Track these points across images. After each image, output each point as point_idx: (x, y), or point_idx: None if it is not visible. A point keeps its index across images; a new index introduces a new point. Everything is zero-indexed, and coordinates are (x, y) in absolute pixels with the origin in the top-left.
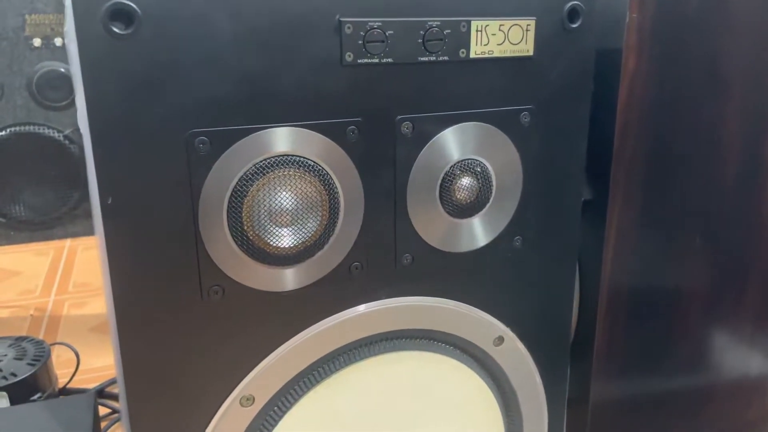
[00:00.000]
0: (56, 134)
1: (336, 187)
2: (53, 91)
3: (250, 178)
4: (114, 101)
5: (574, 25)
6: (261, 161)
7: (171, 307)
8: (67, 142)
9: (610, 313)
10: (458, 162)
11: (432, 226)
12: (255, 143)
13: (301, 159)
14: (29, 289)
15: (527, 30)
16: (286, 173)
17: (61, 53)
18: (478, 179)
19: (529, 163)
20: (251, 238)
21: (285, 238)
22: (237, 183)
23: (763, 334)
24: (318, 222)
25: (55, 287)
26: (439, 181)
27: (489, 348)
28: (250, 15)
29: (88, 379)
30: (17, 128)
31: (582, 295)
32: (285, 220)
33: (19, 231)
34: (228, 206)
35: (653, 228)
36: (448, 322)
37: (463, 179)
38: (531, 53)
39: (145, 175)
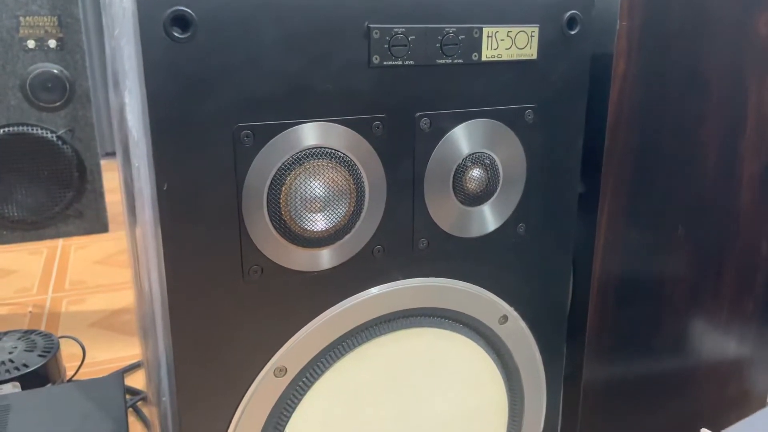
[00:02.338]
0: (49, 135)
1: (362, 177)
2: (47, 92)
3: (287, 168)
4: (171, 98)
5: (573, 32)
6: (297, 153)
7: (215, 284)
8: (60, 142)
9: (600, 298)
10: (470, 155)
11: (445, 213)
12: (292, 137)
13: (332, 151)
14: (26, 287)
15: (532, 36)
16: (318, 164)
17: (55, 55)
18: (487, 171)
19: (532, 157)
20: (287, 222)
21: (317, 223)
22: (276, 172)
23: (737, 319)
24: (346, 208)
25: (51, 285)
26: (453, 173)
27: (494, 326)
28: (290, 21)
29: (93, 372)
30: (11, 128)
31: (575, 281)
32: (317, 206)
33: (12, 231)
34: (268, 194)
35: (640, 218)
36: (459, 302)
37: (473, 171)
38: (535, 57)
39: (196, 165)
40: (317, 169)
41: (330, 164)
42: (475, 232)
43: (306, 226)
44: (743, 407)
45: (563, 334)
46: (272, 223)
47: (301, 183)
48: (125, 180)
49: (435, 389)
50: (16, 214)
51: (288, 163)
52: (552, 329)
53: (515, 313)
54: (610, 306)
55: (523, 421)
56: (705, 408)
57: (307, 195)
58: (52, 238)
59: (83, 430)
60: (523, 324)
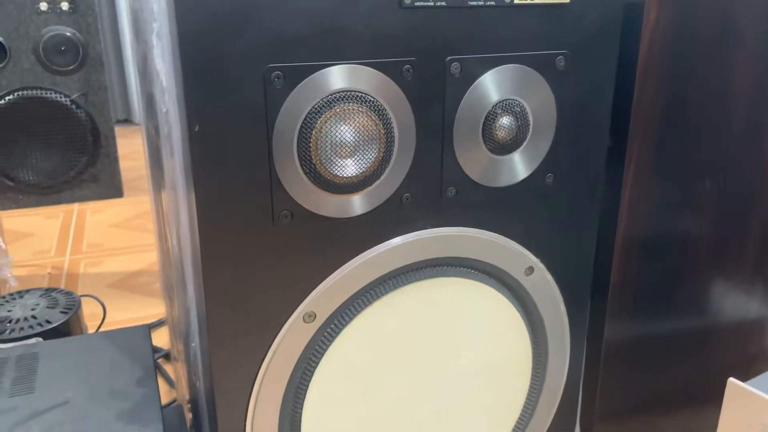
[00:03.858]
0: (63, 99)
1: (392, 122)
2: (60, 55)
3: (317, 112)
4: (202, 38)
5: None
6: (327, 96)
7: (246, 229)
8: (74, 107)
9: (624, 253)
10: (500, 102)
11: (474, 161)
12: (322, 79)
13: (362, 95)
14: (44, 250)
15: None
16: (348, 108)
17: (68, 18)
18: (517, 119)
19: (563, 105)
20: (317, 167)
21: (347, 169)
22: (306, 116)
23: (761, 278)
24: (375, 154)
25: (69, 247)
26: (482, 120)
27: (521, 277)
28: None
29: None
30: (25, 92)
31: (599, 236)
32: (346, 151)
33: (28, 195)
34: (298, 138)
35: (667, 173)
36: (486, 252)
37: (503, 119)
38: (567, 0)
39: (227, 107)
40: (347, 114)
41: (360, 108)
42: (503, 181)
43: (336, 172)
44: (764, 365)
45: (588, 288)
46: (302, 168)
47: (330, 127)
48: (149, 134)
49: (460, 339)
50: (31, 178)
51: (318, 107)
52: (577, 282)
53: (541, 265)
54: (633, 262)
55: (546, 373)
56: (725, 366)
57: (336, 140)
58: (68, 202)
59: (112, 377)
60: (549, 276)
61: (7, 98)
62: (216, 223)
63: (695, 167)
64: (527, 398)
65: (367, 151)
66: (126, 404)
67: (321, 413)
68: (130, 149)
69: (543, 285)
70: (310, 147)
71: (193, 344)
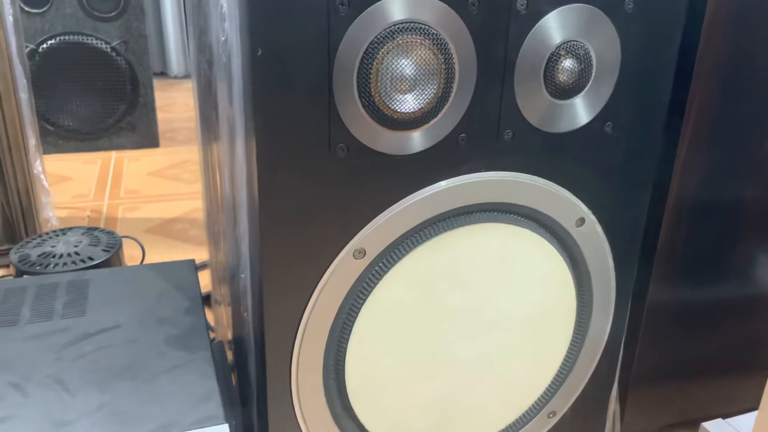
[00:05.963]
0: (104, 45)
1: (453, 58)
2: (101, 1)
3: (380, 42)
4: None
5: None
6: (390, 26)
7: (303, 159)
8: (114, 54)
9: (675, 214)
10: (564, 43)
11: (533, 104)
12: (386, 8)
13: (425, 27)
14: (83, 193)
15: None
16: (410, 39)
17: None
18: (580, 62)
19: (628, 50)
20: (376, 101)
21: (405, 104)
22: (368, 46)
23: None
24: (435, 90)
25: (107, 192)
26: (545, 61)
27: (571, 228)
28: None
29: None
30: (66, 37)
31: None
32: (406, 86)
33: (67, 140)
34: (359, 69)
35: (725, 133)
36: (538, 200)
37: (566, 61)
38: None
39: (290, 32)
40: (409, 46)
41: (422, 41)
42: (561, 127)
43: (394, 107)
44: None
45: (638, 244)
46: (361, 101)
47: (392, 60)
48: (200, 73)
49: (506, 286)
50: (70, 123)
51: (380, 37)
52: (627, 237)
53: (593, 217)
54: (683, 223)
55: (589, 327)
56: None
57: (396, 73)
58: (105, 149)
59: (160, 306)
60: (599, 228)
61: (48, 42)
62: (274, 150)
63: (755, 128)
64: (569, 350)
65: (426, 86)
66: (175, 331)
67: (365, 350)
68: (166, 102)
69: (593, 237)
70: (370, 79)
71: (243, 275)
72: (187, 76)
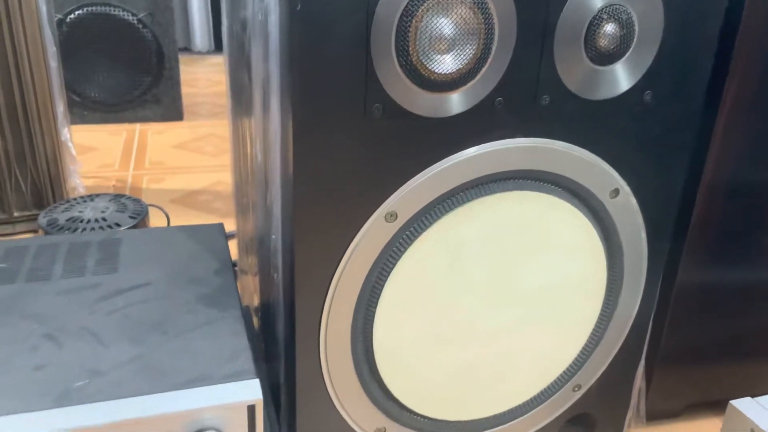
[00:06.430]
0: (130, 17)
1: (493, 18)
2: None
3: (419, 0)
4: None
5: None
6: None
7: (337, 118)
8: (140, 26)
9: (709, 192)
10: (606, 6)
11: (572, 69)
12: None
13: None
14: (108, 164)
15: None
16: None
17: None
18: (622, 27)
19: (671, 17)
20: (413, 60)
21: (443, 64)
22: (408, 3)
23: None
24: (473, 51)
25: (132, 163)
26: (586, 25)
27: (605, 199)
28: None
29: None
30: (93, 8)
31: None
32: (445, 46)
33: (92, 111)
34: (397, 27)
35: (765, 110)
36: (573, 168)
37: (608, 25)
38: None
39: None
40: (449, 4)
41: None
42: (599, 94)
43: (432, 67)
44: None
45: (672, 219)
46: (398, 60)
47: (431, 18)
48: (232, 34)
49: (537, 255)
50: (96, 94)
51: None
52: (662, 211)
53: (628, 189)
54: (718, 201)
55: (618, 301)
56: None
57: (436, 32)
58: (130, 121)
59: (190, 266)
60: (634, 201)
61: (76, 13)
62: (310, 108)
63: None
64: (596, 324)
65: (465, 46)
66: (205, 290)
67: (393, 315)
68: (189, 76)
69: (627, 209)
70: (408, 38)
71: (273, 237)
72: (210, 52)
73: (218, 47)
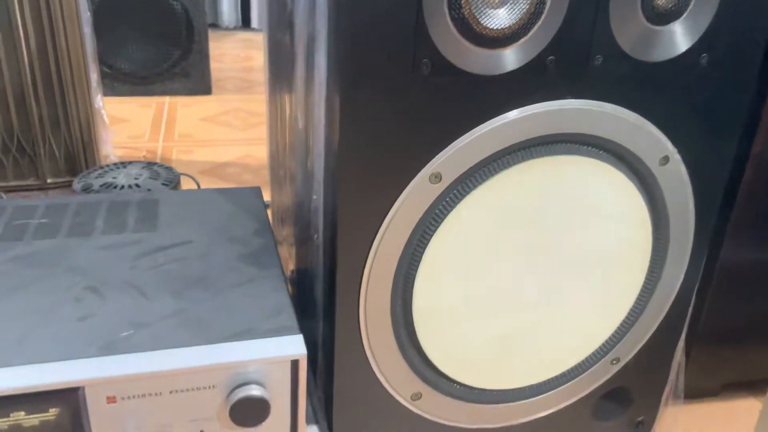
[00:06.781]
0: None
1: None
2: None
3: None
4: None
5: None
6: None
7: (385, 73)
8: None
9: (757, 166)
10: None
11: (627, 29)
12: None
13: None
14: (138, 135)
15: None
16: None
17: None
18: None
19: None
20: (465, 14)
21: (496, 19)
22: None
23: None
24: (527, 6)
25: (161, 135)
26: None
27: (654, 166)
28: None
29: None
30: None
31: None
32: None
33: (123, 83)
34: None
35: None
36: (623, 133)
37: None
38: None
39: None
40: None
41: None
42: (654, 55)
43: (484, 21)
44: None
45: (721, 191)
46: (450, 13)
47: None
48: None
49: (582, 222)
50: (126, 67)
51: None
52: (712, 182)
53: (678, 156)
54: (763, 185)
55: (662, 273)
56: None
57: None
58: (159, 94)
59: (229, 226)
60: (683, 169)
61: None
62: (358, 61)
63: None
64: (639, 296)
65: (518, 1)
66: (245, 249)
67: (433, 279)
68: (217, 52)
69: (676, 178)
70: None
71: (315, 197)
72: (237, 28)
73: (245, 23)
